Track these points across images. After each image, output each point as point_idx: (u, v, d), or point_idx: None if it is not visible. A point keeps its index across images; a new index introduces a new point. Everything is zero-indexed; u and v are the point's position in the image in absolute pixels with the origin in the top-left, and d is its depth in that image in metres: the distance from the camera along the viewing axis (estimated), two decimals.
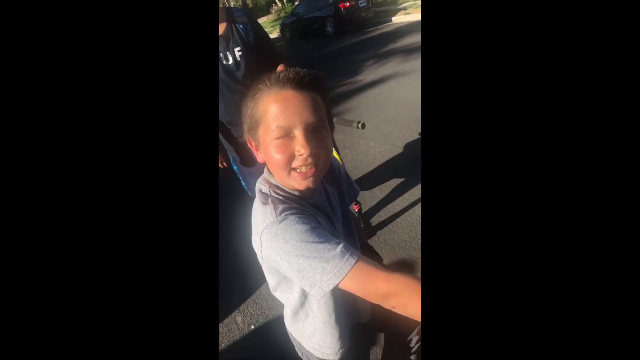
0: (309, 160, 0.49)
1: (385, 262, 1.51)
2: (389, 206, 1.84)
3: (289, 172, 0.50)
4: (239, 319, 1.43)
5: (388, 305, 0.44)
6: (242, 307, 1.47)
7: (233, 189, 1.60)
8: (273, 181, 0.56)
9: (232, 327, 1.40)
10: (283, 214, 0.49)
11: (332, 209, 0.62)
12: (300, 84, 0.49)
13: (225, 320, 1.44)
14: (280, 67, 1.30)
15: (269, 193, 0.54)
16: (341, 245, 0.45)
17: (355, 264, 0.44)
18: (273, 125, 0.48)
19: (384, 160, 2.32)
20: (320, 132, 0.50)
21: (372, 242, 1.64)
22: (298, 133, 0.48)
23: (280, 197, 0.53)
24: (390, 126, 2.75)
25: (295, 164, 0.49)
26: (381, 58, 4.87)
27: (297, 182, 0.51)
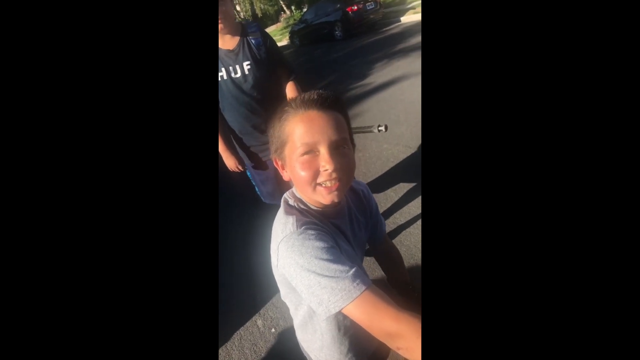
0: (334, 175, 0.50)
1: None
2: (405, 208, 1.84)
3: (315, 188, 0.52)
4: (259, 322, 1.46)
5: (393, 345, 0.42)
6: (262, 311, 1.51)
7: (257, 195, 1.63)
8: (299, 196, 0.58)
9: (254, 330, 1.43)
10: (303, 227, 0.50)
11: (353, 234, 0.63)
12: (324, 104, 0.52)
13: (247, 323, 1.47)
14: (290, 84, 1.35)
15: (294, 205, 0.56)
16: (354, 269, 0.45)
17: (364, 291, 0.43)
18: (299, 143, 0.51)
19: (397, 161, 2.32)
20: (343, 149, 0.52)
21: None
22: (323, 150, 0.50)
23: (304, 212, 0.55)
24: (403, 127, 2.74)
25: (320, 179, 0.51)
26: (391, 59, 4.86)
27: (323, 197, 0.52)
